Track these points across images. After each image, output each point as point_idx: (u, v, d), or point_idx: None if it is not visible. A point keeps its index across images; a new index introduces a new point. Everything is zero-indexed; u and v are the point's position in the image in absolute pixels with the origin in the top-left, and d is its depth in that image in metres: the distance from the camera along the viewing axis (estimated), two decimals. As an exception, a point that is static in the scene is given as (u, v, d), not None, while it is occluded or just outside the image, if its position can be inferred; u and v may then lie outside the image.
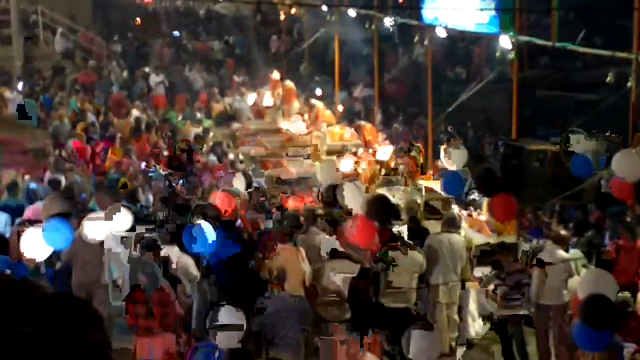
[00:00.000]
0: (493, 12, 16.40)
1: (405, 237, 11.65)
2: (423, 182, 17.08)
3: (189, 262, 11.02)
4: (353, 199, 9.45)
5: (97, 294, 11.78)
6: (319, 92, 24.73)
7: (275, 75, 26.62)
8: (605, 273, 7.06)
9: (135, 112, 23.29)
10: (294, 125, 22.66)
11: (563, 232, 12.15)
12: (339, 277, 10.58)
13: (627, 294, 10.94)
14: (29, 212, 13.87)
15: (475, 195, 16.15)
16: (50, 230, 8.47)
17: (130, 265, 11.34)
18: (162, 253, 11.01)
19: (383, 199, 8.34)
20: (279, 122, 24.33)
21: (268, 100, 24.87)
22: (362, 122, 22.86)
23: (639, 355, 10.60)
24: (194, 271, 11.13)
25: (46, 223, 8.55)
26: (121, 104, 24.89)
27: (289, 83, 25.59)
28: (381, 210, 8.06)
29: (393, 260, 11.13)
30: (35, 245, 8.76)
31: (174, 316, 10.25)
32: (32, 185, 15.59)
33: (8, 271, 9.10)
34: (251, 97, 25.60)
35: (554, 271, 11.33)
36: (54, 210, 9.05)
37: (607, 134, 20.58)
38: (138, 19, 40.96)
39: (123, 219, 9.65)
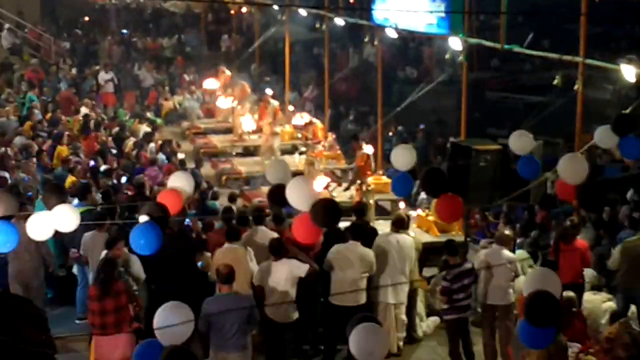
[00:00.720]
0: (443, 15, 16.47)
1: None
2: (372, 181, 17.13)
3: (136, 262, 10.96)
4: (299, 198, 9.40)
5: (34, 285, 11.83)
6: (269, 91, 24.68)
7: (226, 72, 26.49)
8: (550, 272, 7.13)
9: (83, 110, 23.06)
10: (246, 121, 22.63)
11: (507, 232, 12.27)
12: (286, 277, 10.56)
13: (571, 293, 11.10)
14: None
15: (423, 195, 16.24)
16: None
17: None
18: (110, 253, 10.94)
19: (329, 201, 8.30)
20: (230, 119, 24.23)
21: (223, 102, 24.65)
22: (313, 119, 22.85)
23: (582, 355, 10.77)
24: (141, 272, 11.07)
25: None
26: (70, 102, 24.65)
27: (242, 81, 25.49)
28: (327, 214, 8.03)
29: (342, 257, 11.16)
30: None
31: (127, 316, 10.19)
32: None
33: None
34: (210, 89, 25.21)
35: (499, 272, 11.43)
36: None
37: (554, 135, 20.86)
38: (87, 17, 40.59)
39: (70, 218, 9.50)
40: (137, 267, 11.07)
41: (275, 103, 22.78)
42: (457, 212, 9.56)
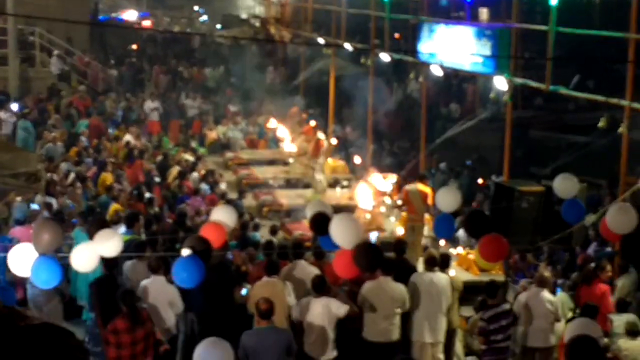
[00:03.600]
0: (489, 54, 16.49)
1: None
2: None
3: (174, 293, 10.99)
4: (344, 236, 9.42)
5: (46, 310, 11.98)
6: (312, 124, 24.76)
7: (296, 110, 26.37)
8: (592, 322, 7.11)
9: (128, 138, 23.30)
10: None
11: (547, 273, 12.20)
12: (325, 314, 10.56)
13: (605, 339, 10.99)
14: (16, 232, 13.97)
15: (462, 232, 16.17)
16: (39, 269, 8.45)
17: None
18: (149, 282, 11.03)
19: (372, 247, 8.34)
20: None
21: (292, 146, 24.35)
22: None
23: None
24: (179, 303, 11.10)
25: (36, 262, 8.52)
26: (99, 129, 24.81)
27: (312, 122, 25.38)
28: (369, 260, 8.08)
29: (374, 293, 11.14)
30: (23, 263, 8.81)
31: (154, 341, 10.28)
32: (34, 206, 15.82)
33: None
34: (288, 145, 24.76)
35: (540, 314, 11.37)
36: (44, 235, 9.02)
37: (596, 176, 20.70)
38: (135, 45, 41.09)
39: (113, 242, 9.61)
40: (175, 298, 11.10)
41: (321, 136, 22.71)
42: (502, 252, 9.57)
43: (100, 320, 10.97)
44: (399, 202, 16.81)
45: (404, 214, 16.47)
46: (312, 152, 22.35)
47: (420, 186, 15.86)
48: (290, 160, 22.35)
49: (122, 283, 10.96)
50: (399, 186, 18.23)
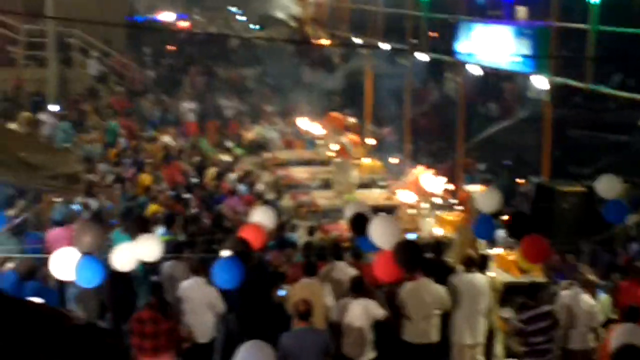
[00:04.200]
0: (528, 53, 16.33)
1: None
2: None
3: (214, 293, 10.97)
4: (383, 236, 9.37)
5: (90, 306, 11.99)
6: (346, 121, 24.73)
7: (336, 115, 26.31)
8: (637, 328, 7.00)
9: (166, 139, 23.40)
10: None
11: (591, 276, 12.03)
12: (363, 315, 10.52)
13: None
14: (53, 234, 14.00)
15: (502, 233, 16.02)
16: (82, 268, 8.50)
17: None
18: (189, 283, 11.04)
19: (412, 245, 8.29)
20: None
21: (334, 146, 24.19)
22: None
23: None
24: (220, 303, 11.08)
25: (79, 261, 8.57)
26: (130, 129, 24.92)
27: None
28: (410, 258, 8.02)
29: (414, 294, 11.06)
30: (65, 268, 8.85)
31: (177, 337, 10.29)
32: (75, 206, 15.88)
33: (39, 299, 9.15)
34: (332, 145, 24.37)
35: (580, 316, 11.24)
36: (85, 236, 9.06)
37: (638, 175, 20.44)
38: (172, 46, 41.24)
39: (154, 248, 9.65)
40: (215, 299, 11.07)
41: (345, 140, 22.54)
42: (544, 252, 9.49)
43: (113, 315, 11.06)
44: (452, 202, 16.74)
45: (454, 214, 16.47)
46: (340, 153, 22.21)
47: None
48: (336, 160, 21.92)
49: (133, 278, 11.05)
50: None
